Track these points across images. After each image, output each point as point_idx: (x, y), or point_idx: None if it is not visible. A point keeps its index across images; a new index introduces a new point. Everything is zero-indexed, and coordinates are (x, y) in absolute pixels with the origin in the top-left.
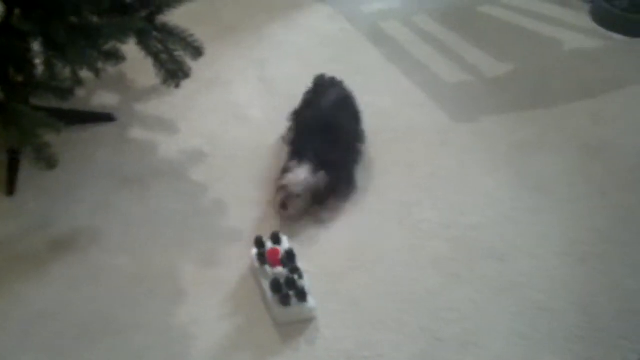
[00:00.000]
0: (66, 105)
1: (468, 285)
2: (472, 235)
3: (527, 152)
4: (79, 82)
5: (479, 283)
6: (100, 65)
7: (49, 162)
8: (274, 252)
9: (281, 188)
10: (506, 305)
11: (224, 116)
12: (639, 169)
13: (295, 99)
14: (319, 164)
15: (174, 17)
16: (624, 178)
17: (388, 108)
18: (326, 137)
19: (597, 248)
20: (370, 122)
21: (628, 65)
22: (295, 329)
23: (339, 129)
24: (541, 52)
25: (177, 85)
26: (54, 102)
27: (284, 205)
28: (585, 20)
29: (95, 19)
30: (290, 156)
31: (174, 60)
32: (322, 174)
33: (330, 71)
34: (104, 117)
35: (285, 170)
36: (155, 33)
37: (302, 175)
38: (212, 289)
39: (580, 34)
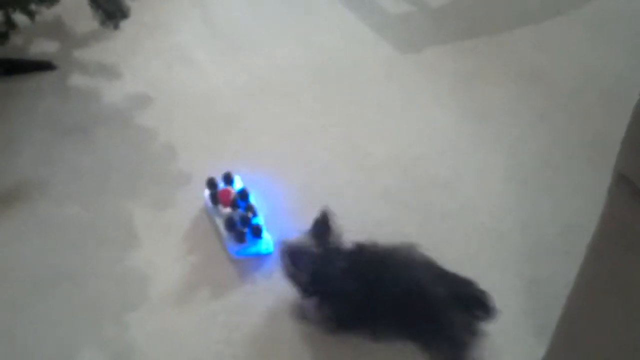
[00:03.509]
0: (2, 53)
1: (415, 213)
2: (418, 165)
3: (470, 82)
4: (12, 25)
5: (426, 210)
6: (33, 7)
7: None
8: (226, 192)
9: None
10: (453, 229)
11: (168, 60)
12: (577, 92)
13: (240, 41)
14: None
15: None
16: (563, 102)
17: (334, 45)
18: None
19: (539, 171)
20: (315, 60)
21: None
22: (251, 264)
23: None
24: None
25: (116, 27)
26: None
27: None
28: None
29: None
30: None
31: None
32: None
33: (277, 11)
34: (43, 65)
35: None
36: None
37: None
38: (166, 232)
39: None
